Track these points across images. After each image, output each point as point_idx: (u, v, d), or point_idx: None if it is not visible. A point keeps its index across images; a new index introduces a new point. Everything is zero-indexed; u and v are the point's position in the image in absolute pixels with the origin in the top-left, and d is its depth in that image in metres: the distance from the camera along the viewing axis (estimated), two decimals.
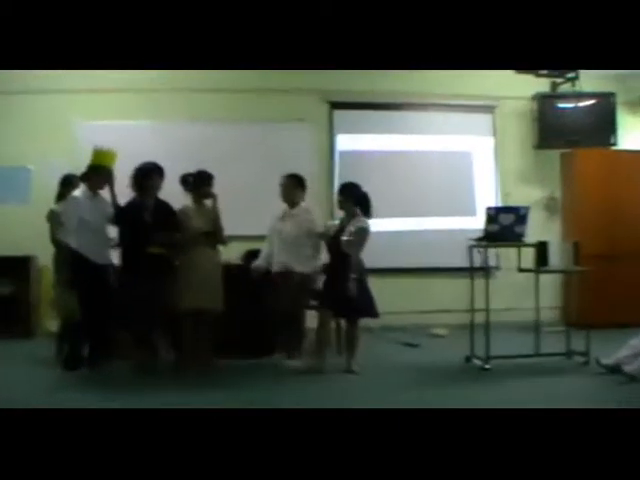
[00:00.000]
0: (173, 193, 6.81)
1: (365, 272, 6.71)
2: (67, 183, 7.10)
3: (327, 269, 6.97)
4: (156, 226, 6.52)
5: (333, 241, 6.73)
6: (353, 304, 6.55)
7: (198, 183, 6.86)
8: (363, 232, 6.63)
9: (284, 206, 7.11)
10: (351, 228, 6.61)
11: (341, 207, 6.90)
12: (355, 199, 6.76)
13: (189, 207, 6.88)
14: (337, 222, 6.99)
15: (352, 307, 6.61)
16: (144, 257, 6.41)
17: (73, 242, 6.35)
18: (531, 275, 7.23)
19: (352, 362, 6.71)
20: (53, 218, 6.99)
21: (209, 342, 6.77)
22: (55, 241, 6.94)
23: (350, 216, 6.74)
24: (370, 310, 6.70)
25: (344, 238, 6.59)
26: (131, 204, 6.63)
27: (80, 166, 6.80)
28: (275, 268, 7.03)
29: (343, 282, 6.48)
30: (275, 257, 7.05)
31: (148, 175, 6.59)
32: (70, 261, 6.41)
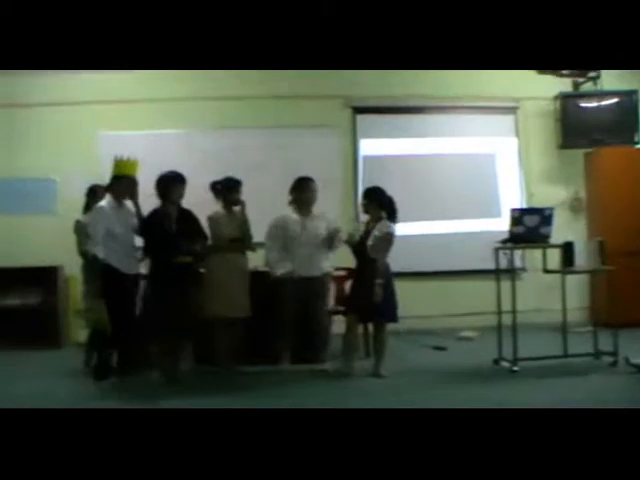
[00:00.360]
0: (199, 202, 6.83)
1: (391, 276, 6.73)
2: (93, 194, 7.15)
3: (353, 274, 6.98)
4: (180, 234, 6.53)
5: (359, 245, 6.74)
6: (379, 309, 6.57)
7: (226, 190, 6.90)
8: (389, 237, 6.62)
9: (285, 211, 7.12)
10: (376, 233, 6.61)
11: (366, 211, 6.87)
12: (380, 203, 6.75)
13: (219, 213, 6.91)
14: (361, 225, 6.98)
15: (378, 312, 6.62)
16: (171, 266, 6.43)
17: (100, 252, 6.37)
18: (557, 275, 7.22)
19: (380, 366, 6.72)
20: (80, 229, 7.04)
21: (236, 349, 6.81)
22: (82, 252, 6.98)
23: (375, 220, 6.73)
24: (393, 315, 6.73)
25: (370, 243, 6.61)
26: (155, 213, 6.62)
27: (105, 177, 6.83)
28: (299, 273, 6.96)
29: (370, 287, 6.50)
30: (297, 261, 6.98)
31: (170, 184, 6.61)
32: (99, 272, 6.42)
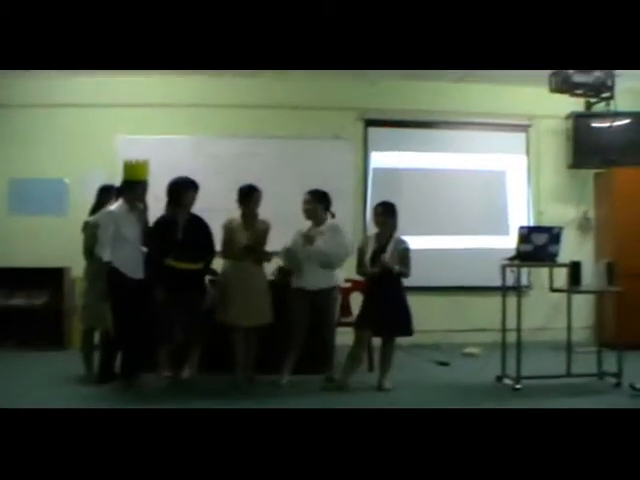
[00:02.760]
0: (211, 207, 6.83)
1: (404, 290, 6.74)
2: (104, 194, 7.13)
3: (365, 287, 6.98)
4: (188, 241, 6.54)
5: (373, 259, 6.71)
6: (395, 323, 6.61)
7: (241, 197, 6.87)
8: (407, 252, 6.67)
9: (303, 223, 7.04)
10: (397, 248, 6.65)
11: (381, 225, 6.83)
12: (394, 218, 6.78)
13: (234, 222, 6.87)
14: (370, 238, 6.96)
15: (394, 326, 6.66)
16: (176, 273, 6.46)
17: (107, 256, 6.37)
18: (563, 294, 7.21)
19: (384, 379, 6.72)
20: (87, 229, 7.00)
21: (253, 357, 6.86)
22: (87, 251, 6.97)
23: (388, 235, 6.74)
24: (408, 328, 6.73)
25: (387, 258, 6.60)
26: (163, 219, 6.63)
27: (118, 179, 6.82)
28: (303, 285, 6.89)
29: (385, 301, 6.54)
30: (303, 273, 6.89)
31: (182, 189, 6.59)
32: (105, 275, 6.43)
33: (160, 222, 6.62)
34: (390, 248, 6.65)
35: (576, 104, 9.63)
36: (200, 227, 6.67)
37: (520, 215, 10.01)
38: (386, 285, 6.62)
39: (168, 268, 6.45)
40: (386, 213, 6.81)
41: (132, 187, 6.52)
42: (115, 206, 6.54)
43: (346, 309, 7.76)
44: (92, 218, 6.95)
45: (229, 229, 6.83)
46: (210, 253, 6.75)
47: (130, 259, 6.44)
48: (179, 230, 6.54)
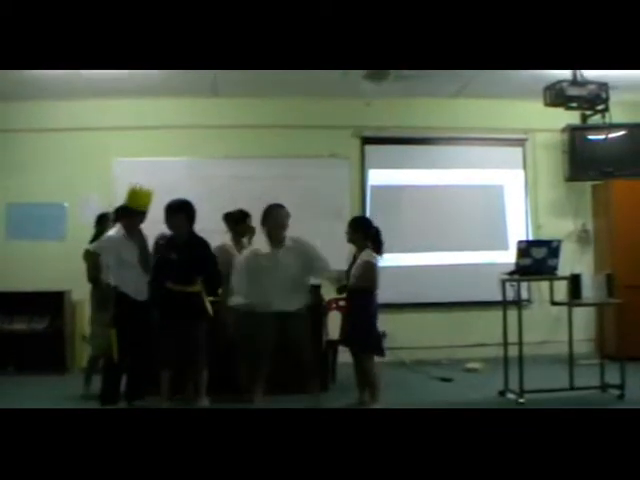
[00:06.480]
0: (207, 229, 6.82)
1: (372, 306, 6.60)
2: (100, 221, 7.17)
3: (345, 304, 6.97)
4: (182, 263, 6.40)
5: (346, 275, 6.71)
6: (352, 337, 6.59)
7: (234, 221, 6.90)
8: (368, 265, 6.50)
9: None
10: (358, 262, 6.58)
11: (351, 240, 6.73)
12: (364, 233, 6.66)
13: (228, 244, 6.97)
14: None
15: (350, 339, 6.64)
16: (170, 295, 6.40)
17: (112, 280, 6.38)
18: (564, 307, 7.22)
19: (364, 394, 6.62)
20: (89, 257, 7.02)
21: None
22: (92, 279, 6.99)
23: (360, 250, 6.65)
24: (365, 346, 6.60)
25: (352, 272, 6.59)
26: (164, 241, 6.62)
27: (116, 202, 6.83)
28: (274, 307, 6.55)
29: (352, 316, 6.57)
30: (271, 295, 6.52)
31: (165, 215, 6.59)
32: (113, 299, 6.43)
33: (159, 245, 6.64)
34: (357, 263, 6.60)
35: (572, 117, 9.65)
36: (196, 249, 6.50)
37: (519, 229, 10.02)
38: (352, 300, 6.64)
39: (164, 291, 6.41)
40: (351, 228, 6.75)
41: (134, 216, 6.53)
42: (113, 231, 6.57)
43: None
44: (92, 246, 6.95)
45: (224, 252, 6.98)
46: (205, 275, 6.57)
47: (133, 282, 6.49)
48: (175, 252, 6.44)
